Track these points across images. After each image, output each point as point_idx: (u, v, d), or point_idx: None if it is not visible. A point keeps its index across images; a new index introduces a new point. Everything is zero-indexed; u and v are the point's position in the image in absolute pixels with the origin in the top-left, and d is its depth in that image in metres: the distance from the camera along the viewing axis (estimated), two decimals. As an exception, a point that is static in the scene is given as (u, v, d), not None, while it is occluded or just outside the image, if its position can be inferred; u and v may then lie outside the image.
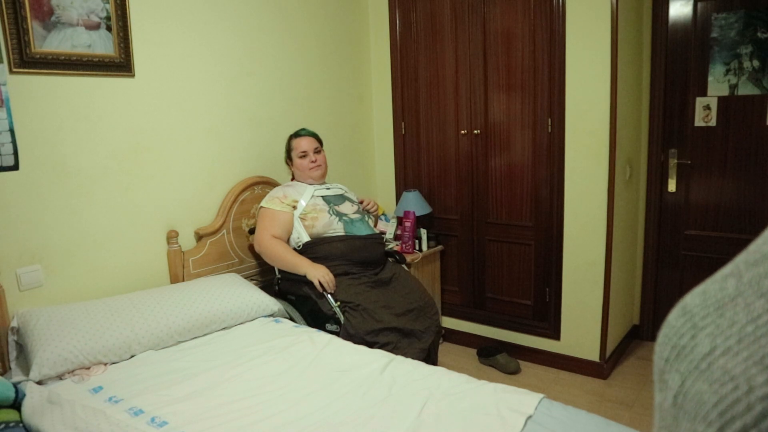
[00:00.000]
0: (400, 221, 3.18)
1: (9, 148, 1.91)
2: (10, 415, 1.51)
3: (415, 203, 3.17)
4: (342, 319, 2.24)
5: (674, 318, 0.36)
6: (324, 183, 2.68)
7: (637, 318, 3.31)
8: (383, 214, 3.37)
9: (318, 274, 2.30)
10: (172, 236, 2.40)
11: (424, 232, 3.22)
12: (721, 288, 0.33)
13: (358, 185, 3.35)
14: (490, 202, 3.13)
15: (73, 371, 1.79)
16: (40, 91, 2.00)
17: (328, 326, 2.32)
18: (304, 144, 2.63)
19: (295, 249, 2.47)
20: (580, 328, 2.87)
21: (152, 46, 2.32)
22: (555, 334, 2.97)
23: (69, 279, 2.12)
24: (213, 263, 2.56)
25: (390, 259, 2.65)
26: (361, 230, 2.54)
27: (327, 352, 1.95)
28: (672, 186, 3.06)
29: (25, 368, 1.81)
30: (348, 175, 3.31)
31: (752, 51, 2.74)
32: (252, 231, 2.66)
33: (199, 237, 2.53)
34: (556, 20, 2.71)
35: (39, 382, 1.72)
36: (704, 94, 2.90)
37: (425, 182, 3.39)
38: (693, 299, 0.35)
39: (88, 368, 1.82)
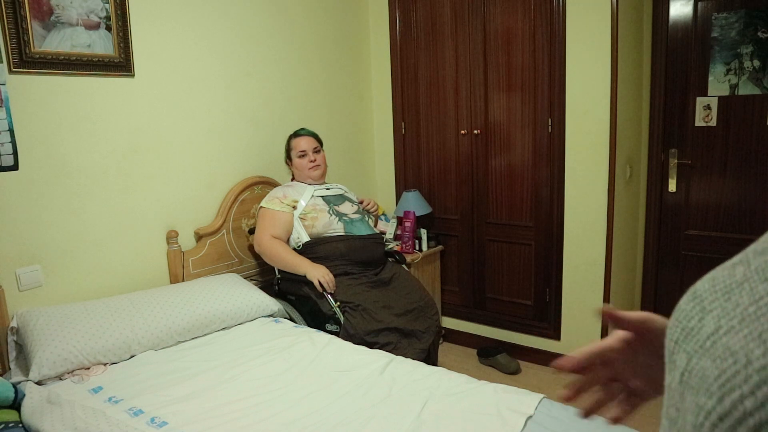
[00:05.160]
0: (400, 221, 3.18)
1: (8, 148, 1.91)
2: (10, 415, 1.51)
3: (415, 203, 3.17)
4: (342, 319, 2.24)
5: (685, 302, 0.38)
6: (324, 183, 2.68)
7: (637, 318, 3.30)
8: (383, 214, 3.37)
9: (318, 274, 2.30)
10: (171, 236, 2.40)
11: (424, 232, 3.22)
12: (730, 275, 0.35)
13: (358, 185, 3.35)
14: (490, 202, 3.13)
15: (72, 371, 1.79)
16: (40, 91, 1.99)
17: (328, 326, 2.32)
18: (304, 144, 2.63)
19: (295, 249, 2.47)
20: (581, 328, 2.87)
21: (152, 46, 2.32)
22: (555, 334, 2.97)
23: (69, 279, 2.12)
24: (213, 263, 2.56)
25: (390, 259, 2.65)
26: (361, 230, 2.54)
27: (327, 352, 1.95)
28: (672, 186, 3.06)
29: (25, 368, 1.80)
30: (348, 175, 3.30)
31: (753, 51, 2.74)
32: (252, 231, 2.65)
33: (199, 237, 2.53)
34: (556, 20, 2.70)
35: (38, 383, 1.72)
36: (704, 93, 2.90)
37: (425, 182, 3.38)
38: (703, 285, 0.37)
39: (88, 368, 1.81)
